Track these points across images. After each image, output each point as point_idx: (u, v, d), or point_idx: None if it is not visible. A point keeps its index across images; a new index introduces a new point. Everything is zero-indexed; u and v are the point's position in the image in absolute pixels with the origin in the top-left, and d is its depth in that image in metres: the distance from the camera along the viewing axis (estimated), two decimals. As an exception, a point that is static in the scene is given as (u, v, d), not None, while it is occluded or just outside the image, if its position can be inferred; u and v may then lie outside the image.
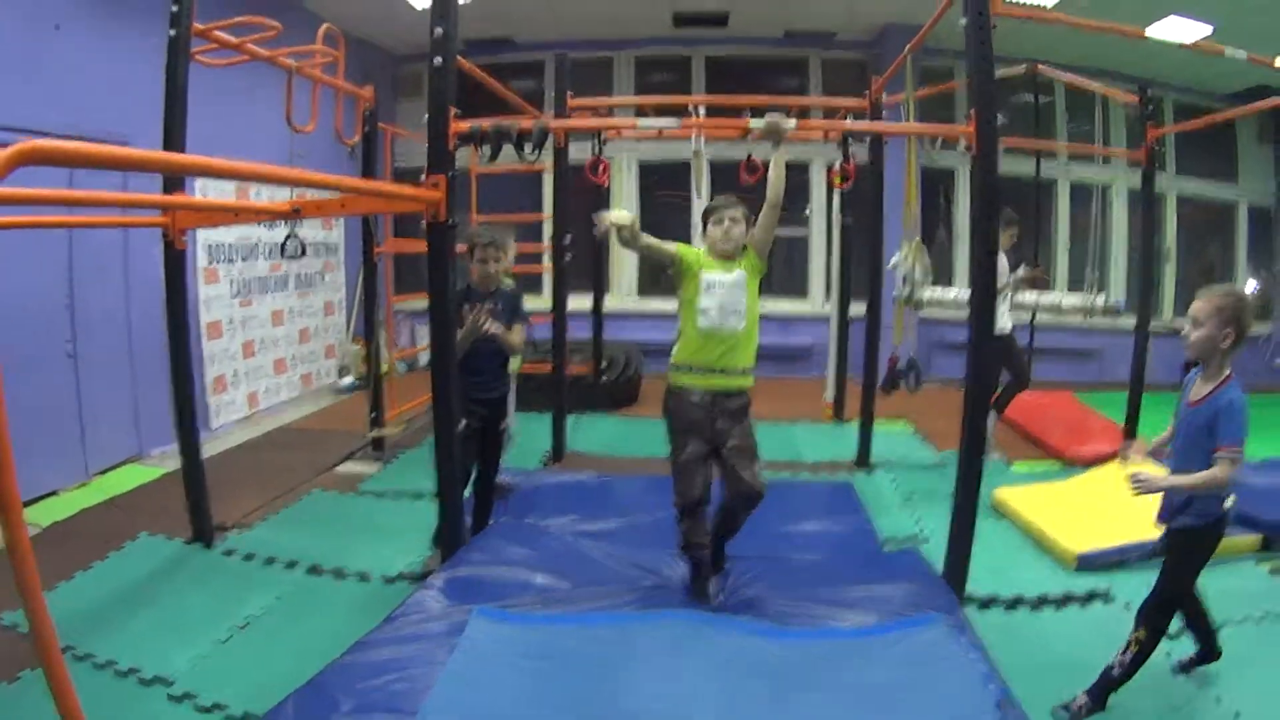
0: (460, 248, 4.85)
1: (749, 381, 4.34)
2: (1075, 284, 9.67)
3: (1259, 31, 9.29)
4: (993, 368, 7.19)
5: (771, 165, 4.23)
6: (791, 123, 4.30)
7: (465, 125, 4.43)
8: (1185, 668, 3.87)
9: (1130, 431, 7.55)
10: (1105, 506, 5.37)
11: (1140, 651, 3.53)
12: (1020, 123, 11.30)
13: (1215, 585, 4.88)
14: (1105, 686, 3.58)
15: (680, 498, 4.28)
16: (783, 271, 12.43)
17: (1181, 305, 12.88)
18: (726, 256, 4.21)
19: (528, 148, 4.49)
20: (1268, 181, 13.36)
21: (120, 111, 6.61)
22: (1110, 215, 12.41)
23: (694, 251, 4.27)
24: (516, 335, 5.07)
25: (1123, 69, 11.21)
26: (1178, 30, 9.89)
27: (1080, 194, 11.42)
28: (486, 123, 4.50)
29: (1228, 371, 3.43)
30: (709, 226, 4.25)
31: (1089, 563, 4.95)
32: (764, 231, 4.25)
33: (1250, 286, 13.28)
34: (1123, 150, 11.14)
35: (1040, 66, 8.55)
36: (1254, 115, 12.87)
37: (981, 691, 3.12)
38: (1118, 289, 11.71)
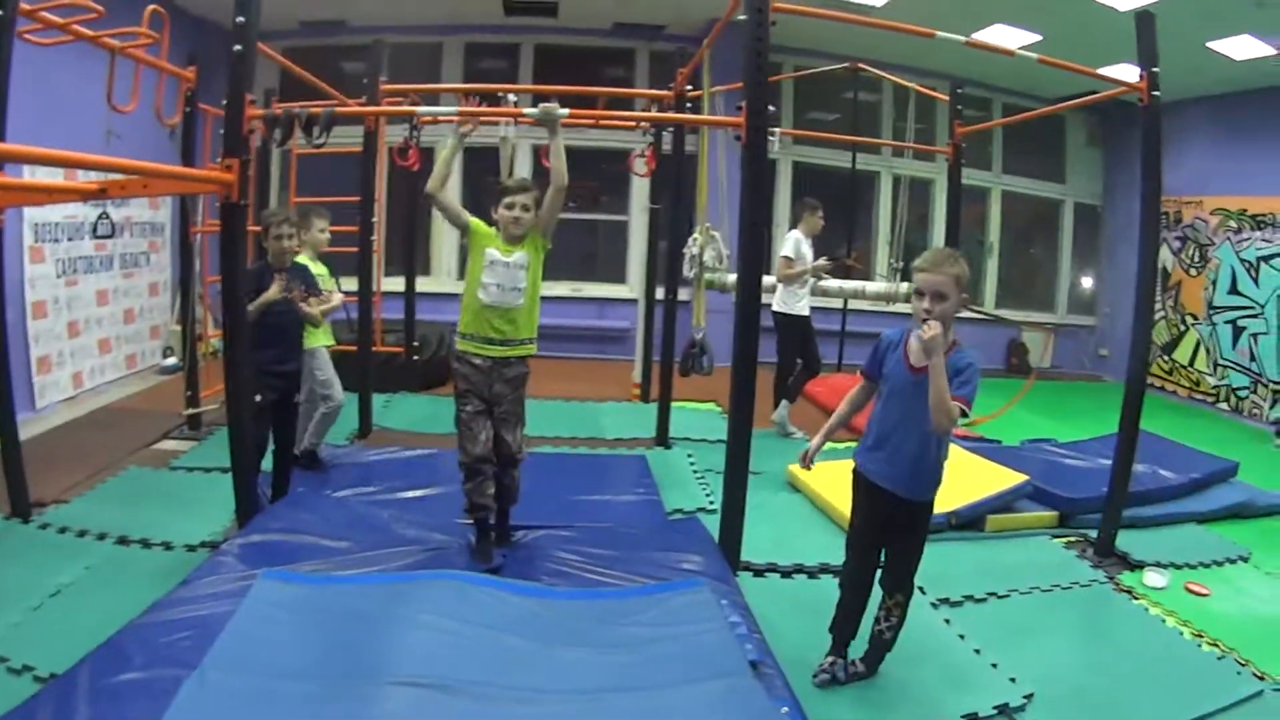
0: (255, 228, 5.01)
1: (529, 350, 4.65)
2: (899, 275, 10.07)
3: (1082, 42, 9.78)
4: (790, 349, 7.57)
5: (551, 152, 4.50)
6: (563, 111, 4.53)
7: (259, 111, 4.58)
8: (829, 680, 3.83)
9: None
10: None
11: (903, 613, 3.74)
12: (849, 120, 11.74)
13: (1011, 556, 5.31)
14: (882, 651, 3.81)
15: (464, 454, 4.57)
16: (604, 255, 12.73)
17: (1005, 296, 13.55)
18: (512, 239, 4.48)
19: (315, 132, 4.64)
20: (1094, 182, 14.10)
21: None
22: (933, 209, 12.95)
23: (485, 228, 4.54)
24: (314, 305, 5.40)
25: (954, 72, 11.60)
26: (1004, 36, 10.36)
27: (913, 189, 11.79)
28: (277, 108, 4.65)
29: (954, 337, 3.47)
30: (500, 209, 4.48)
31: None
32: (548, 213, 4.54)
33: (1086, 282, 14.03)
34: (928, 147, 11.60)
35: (862, 65, 8.93)
36: (1084, 120, 13.60)
37: (737, 650, 3.32)
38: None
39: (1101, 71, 10.08)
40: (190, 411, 7.47)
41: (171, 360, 10.09)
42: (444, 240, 12.26)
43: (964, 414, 3.34)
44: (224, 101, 4.52)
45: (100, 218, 5.17)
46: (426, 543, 4.60)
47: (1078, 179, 14.16)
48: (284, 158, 10.12)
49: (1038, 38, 10.33)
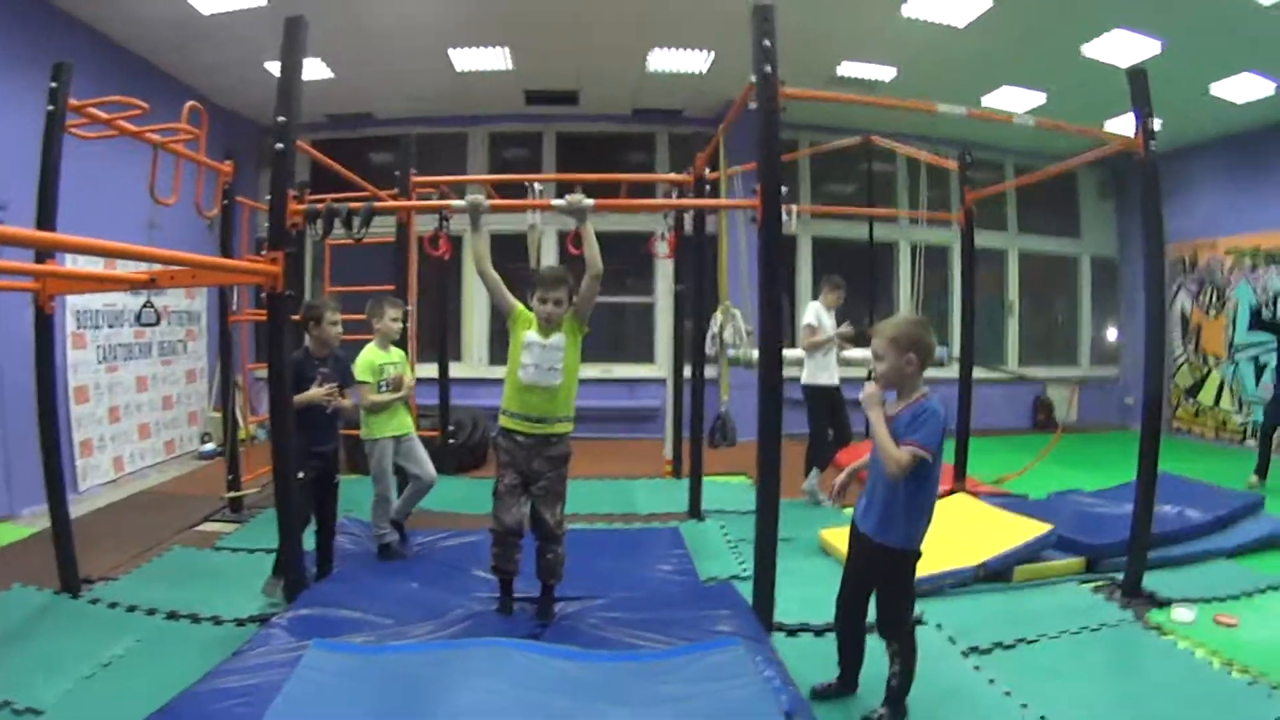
0: (297, 316, 5.24)
1: (567, 428, 4.85)
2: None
3: (1087, 97, 10.04)
4: (819, 419, 7.70)
5: (583, 240, 4.76)
6: (589, 202, 4.77)
7: (301, 206, 4.80)
8: (821, 694, 4.13)
9: (959, 473, 7.99)
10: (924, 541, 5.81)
11: (904, 659, 3.83)
12: (864, 189, 11.96)
13: (1040, 603, 5.37)
14: (894, 697, 3.86)
15: (495, 523, 4.80)
16: (633, 336, 12.95)
17: (1026, 355, 13.64)
18: (548, 325, 4.72)
19: (356, 225, 4.86)
20: (1109, 235, 14.27)
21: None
22: (951, 274, 13.04)
23: (527, 312, 4.80)
24: (349, 400, 5.73)
25: (966, 136, 11.87)
26: (1011, 99, 10.61)
27: (931, 255, 11.88)
28: (319, 204, 4.86)
29: (923, 390, 3.72)
30: (534, 302, 4.73)
31: (900, 591, 5.32)
32: (584, 301, 4.76)
33: (1111, 334, 14.14)
34: (940, 215, 11.70)
35: (874, 138, 9.14)
36: (1095, 173, 13.77)
37: (773, 702, 3.42)
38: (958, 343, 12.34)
39: (1108, 124, 10.36)
40: (232, 495, 7.63)
41: (209, 445, 10.31)
42: (474, 326, 12.54)
43: (919, 457, 3.55)
44: (267, 196, 4.75)
45: (145, 305, 5.40)
46: (469, 616, 4.70)
47: (1093, 233, 14.35)
48: (317, 248, 10.45)
49: (1043, 98, 10.60)
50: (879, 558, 3.84)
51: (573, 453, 4.93)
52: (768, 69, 4.61)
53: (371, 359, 6.21)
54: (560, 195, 4.85)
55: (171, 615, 5.10)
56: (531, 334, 4.72)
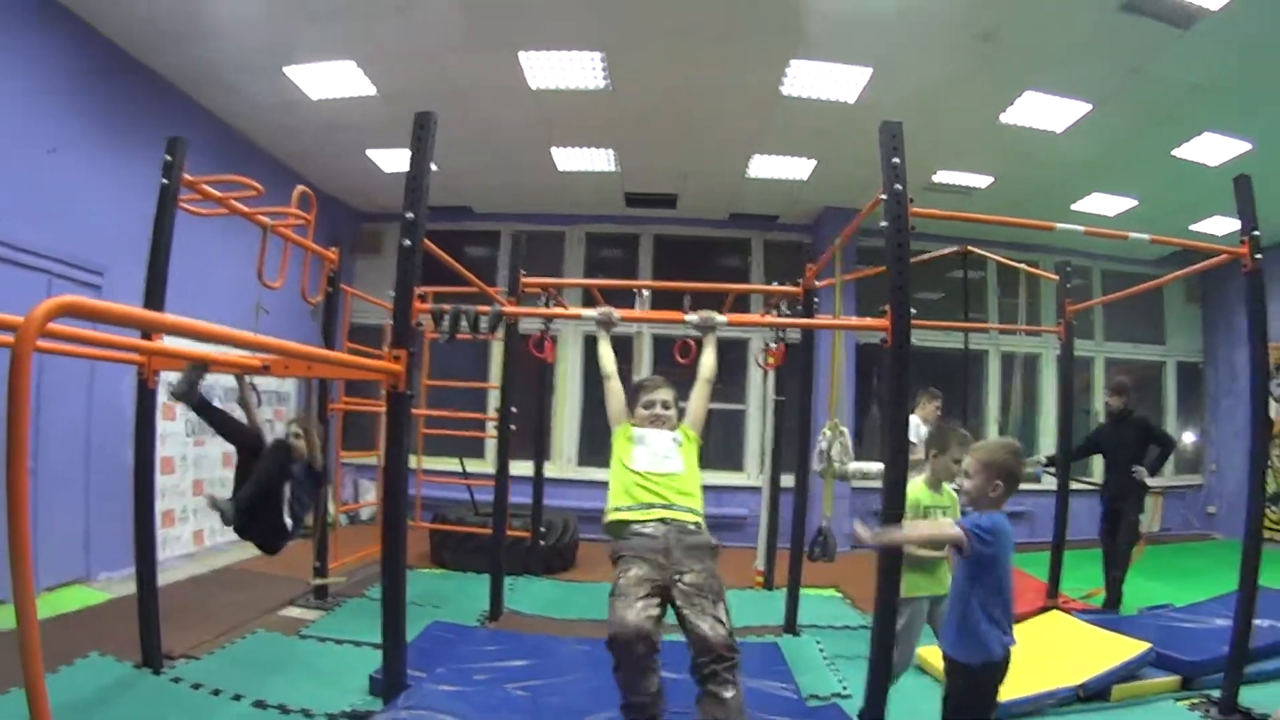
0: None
1: (700, 519, 4.05)
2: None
3: (1176, 200, 10.01)
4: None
5: (705, 351, 4.68)
6: (723, 319, 4.77)
7: (427, 306, 4.79)
8: None
9: (1052, 589, 7.78)
10: (1023, 659, 5.63)
11: None
12: (955, 297, 11.85)
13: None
14: None
15: (612, 628, 3.56)
16: (720, 444, 12.81)
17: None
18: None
19: (484, 327, 4.84)
20: (1194, 339, 14.07)
21: (100, 240, 7.15)
22: (1039, 383, 12.97)
23: (631, 428, 4.40)
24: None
25: (1055, 243, 11.90)
26: (1102, 205, 10.57)
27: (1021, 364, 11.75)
28: (447, 305, 4.84)
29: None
30: (639, 409, 4.43)
31: (1004, 711, 5.06)
32: (698, 407, 4.53)
33: (1188, 437, 13.84)
34: (1038, 328, 11.56)
35: (971, 247, 9.06)
36: (1182, 278, 13.57)
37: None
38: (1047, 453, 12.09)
39: (1195, 227, 10.23)
40: (318, 582, 7.61)
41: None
42: (565, 427, 12.60)
43: (959, 536, 3.62)
44: (375, 285, 4.76)
45: (250, 387, 5.52)
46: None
47: (1178, 338, 14.15)
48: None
49: (1134, 203, 10.58)
50: (950, 672, 3.80)
51: (719, 548, 4.09)
52: (898, 186, 4.51)
53: (918, 498, 5.09)
54: (658, 302, 4.79)
55: (259, 704, 5.05)
56: (642, 429, 4.29)
